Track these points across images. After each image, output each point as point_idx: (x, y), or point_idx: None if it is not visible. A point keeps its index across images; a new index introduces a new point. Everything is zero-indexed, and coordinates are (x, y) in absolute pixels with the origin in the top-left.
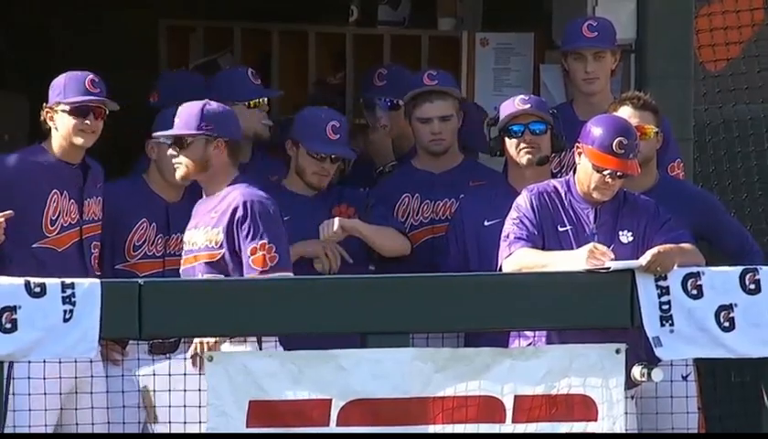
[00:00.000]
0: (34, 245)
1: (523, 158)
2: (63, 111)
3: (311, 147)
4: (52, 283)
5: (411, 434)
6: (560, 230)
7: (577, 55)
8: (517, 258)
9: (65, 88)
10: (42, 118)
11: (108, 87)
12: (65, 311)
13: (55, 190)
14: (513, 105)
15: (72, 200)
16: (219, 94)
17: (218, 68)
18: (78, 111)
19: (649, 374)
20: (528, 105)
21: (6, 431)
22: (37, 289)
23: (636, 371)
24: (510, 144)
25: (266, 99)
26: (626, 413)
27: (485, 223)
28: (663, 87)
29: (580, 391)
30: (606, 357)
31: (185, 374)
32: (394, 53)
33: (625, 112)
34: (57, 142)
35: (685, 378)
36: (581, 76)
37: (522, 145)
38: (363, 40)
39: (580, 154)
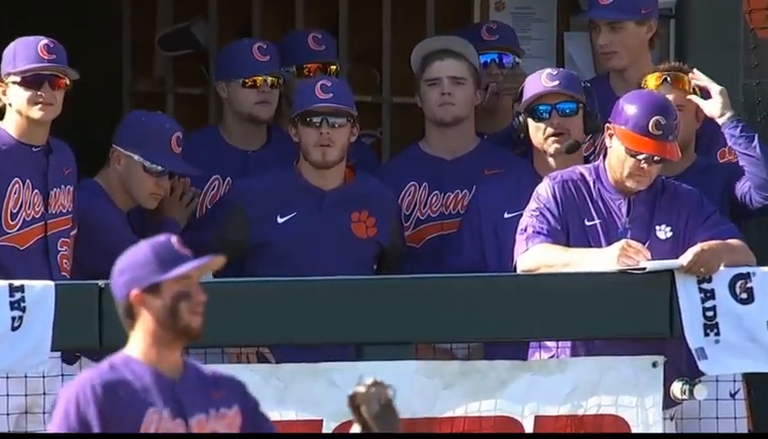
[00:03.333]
0: None
1: (550, 147)
2: (14, 82)
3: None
4: None
5: None
6: (588, 224)
7: (594, 24)
8: (535, 255)
9: (15, 56)
10: None
11: (68, 52)
12: (13, 318)
13: (16, 179)
14: (539, 82)
15: (36, 190)
16: (219, 71)
17: (192, 38)
18: (30, 81)
19: (691, 391)
20: (557, 82)
21: None
22: None
23: (676, 388)
24: (536, 127)
25: (268, 78)
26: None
27: (506, 216)
28: (706, 58)
29: (611, 411)
30: (641, 371)
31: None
32: (395, 19)
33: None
34: (13, 120)
35: (733, 395)
36: (598, 49)
37: (549, 131)
38: (359, 3)
39: (611, 136)
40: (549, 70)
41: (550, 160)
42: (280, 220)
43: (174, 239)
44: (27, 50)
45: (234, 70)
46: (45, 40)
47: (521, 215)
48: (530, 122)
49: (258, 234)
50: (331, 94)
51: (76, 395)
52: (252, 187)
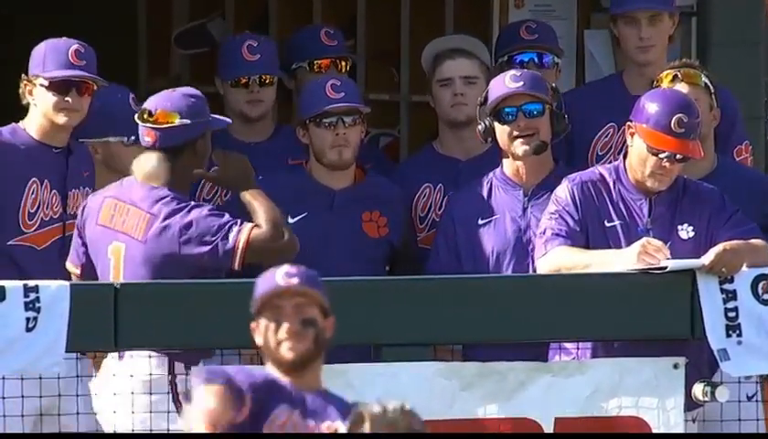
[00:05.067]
0: (9, 242)
1: (518, 149)
2: (42, 85)
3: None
4: (12, 286)
5: None
6: (608, 225)
7: (629, 19)
8: (555, 257)
9: (45, 59)
10: (21, 91)
11: (97, 56)
12: (28, 319)
13: (34, 179)
14: (502, 84)
15: (54, 191)
16: (217, 67)
17: (208, 35)
18: (58, 86)
19: (713, 393)
20: (521, 83)
21: None
22: None
23: (698, 390)
24: (502, 130)
25: (257, 78)
26: None
27: (480, 222)
28: (728, 55)
29: (632, 413)
30: (662, 373)
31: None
32: (414, 17)
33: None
34: (36, 120)
35: (750, 398)
36: (635, 43)
37: (516, 133)
38: (377, 2)
39: (632, 134)
40: (512, 72)
41: (518, 163)
42: (291, 221)
43: (277, 271)
44: (57, 55)
45: (224, 70)
46: (75, 45)
47: (495, 220)
48: (496, 125)
49: None
50: (343, 93)
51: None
52: (262, 188)
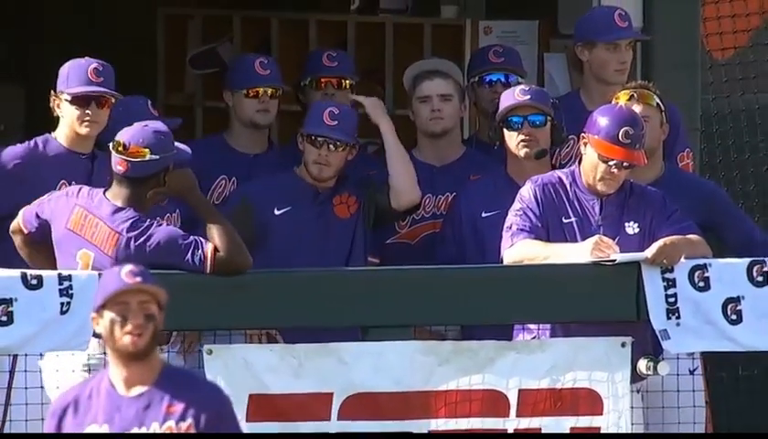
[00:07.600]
0: None
1: (521, 151)
2: (66, 100)
3: (309, 130)
4: (49, 275)
5: (413, 434)
6: (565, 221)
7: (611, 46)
8: (519, 249)
9: (68, 76)
10: (51, 105)
11: (114, 73)
12: (62, 303)
13: (63, 181)
14: (512, 96)
15: None
16: (226, 80)
17: (218, 57)
18: (79, 101)
19: (655, 368)
20: (528, 97)
21: (6, 424)
22: (34, 281)
23: (642, 365)
24: (509, 136)
25: (268, 89)
26: (632, 408)
27: (483, 215)
28: (669, 76)
29: (585, 385)
30: (612, 350)
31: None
32: (397, 41)
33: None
34: (63, 130)
35: (692, 372)
36: (615, 67)
37: (520, 138)
38: (365, 28)
39: (585, 144)
40: (521, 86)
41: (522, 165)
42: (277, 213)
43: (121, 269)
44: (78, 73)
45: (238, 82)
46: (94, 64)
47: (497, 214)
48: (505, 131)
49: (259, 225)
50: (336, 122)
51: (52, 408)
52: (256, 187)
